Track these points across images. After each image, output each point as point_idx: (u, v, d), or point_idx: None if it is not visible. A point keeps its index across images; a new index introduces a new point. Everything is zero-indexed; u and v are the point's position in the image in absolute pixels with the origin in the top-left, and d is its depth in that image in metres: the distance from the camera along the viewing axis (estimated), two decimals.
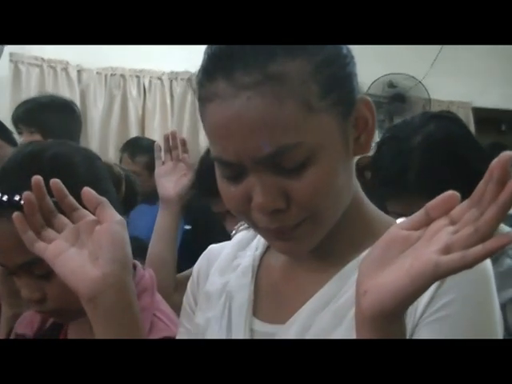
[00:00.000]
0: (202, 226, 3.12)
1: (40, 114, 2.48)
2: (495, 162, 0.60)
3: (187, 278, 1.93)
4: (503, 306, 1.36)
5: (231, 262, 1.01)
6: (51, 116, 2.48)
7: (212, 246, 1.08)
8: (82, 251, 0.87)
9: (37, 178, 0.87)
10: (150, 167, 3.39)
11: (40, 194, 0.88)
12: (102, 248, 0.87)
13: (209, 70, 0.81)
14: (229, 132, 0.78)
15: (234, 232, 1.14)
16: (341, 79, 0.83)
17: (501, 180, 0.60)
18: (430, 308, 0.79)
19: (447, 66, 5.67)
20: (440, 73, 5.60)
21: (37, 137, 2.36)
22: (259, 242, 1.00)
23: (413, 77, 5.58)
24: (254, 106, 0.76)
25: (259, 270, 0.98)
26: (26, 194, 0.87)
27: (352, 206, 0.89)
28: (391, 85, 5.66)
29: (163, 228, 1.86)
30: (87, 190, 0.90)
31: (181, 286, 1.90)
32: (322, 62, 0.80)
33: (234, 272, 0.99)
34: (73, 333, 1.21)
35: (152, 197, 3.03)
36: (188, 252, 2.59)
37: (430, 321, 0.79)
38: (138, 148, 3.77)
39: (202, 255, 1.08)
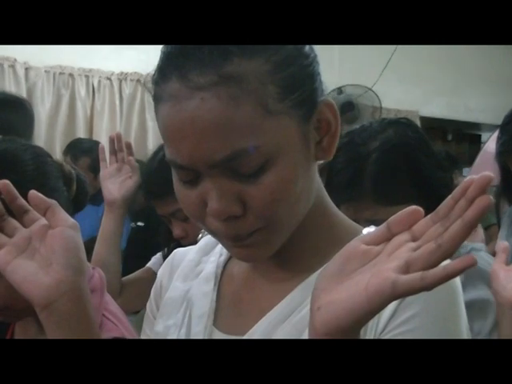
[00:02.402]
0: (155, 223, 3.10)
1: None
2: (475, 179, 0.58)
3: (132, 281, 1.95)
4: None
5: (195, 267, 0.98)
6: (2, 113, 2.44)
7: (177, 250, 1.05)
8: (34, 257, 0.84)
9: None
10: (94, 169, 3.39)
11: None
12: (55, 254, 0.83)
13: (164, 70, 0.77)
14: (182, 135, 0.75)
15: (200, 236, 1.12)
16: (301, 80, 0.79)
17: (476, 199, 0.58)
18: (392, 322, 0.76)
19: (395, 75, 5.75)
20: (388, 81, 5.66)
21: None
22: (223, 247, 0.94)
23: (363, 85, 5.63)
24: (208, 107, 0.73)
25: (222, 277, 0.95)
26: None
27: (316, 212, 0.86)
28: (340, 92, 5.70)
29: (108, 231, 1.84)
30: (34, 193, 0.87)
31: (125, 290, 1.89)
32: (281, 62, 0.77)
33: (197, 278, 0.96)
34: (19, 332, 1.19)
35: (97, 197, 3.02)
36: (139, 249, 2.59)
37: (392, 335, 0.76)
38: (80, 150, 3.77)
39: (167, 260, 1.04)
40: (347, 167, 1.43)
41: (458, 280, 0.78)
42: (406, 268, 0.60)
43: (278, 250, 0.85)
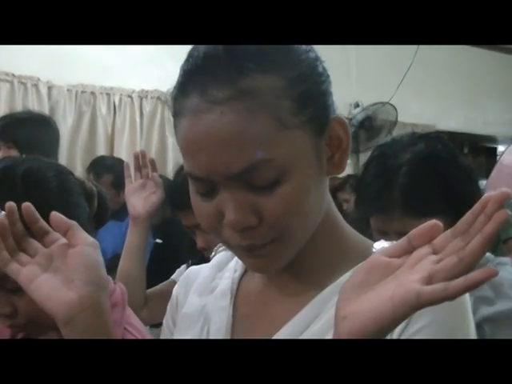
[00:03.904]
0: (173, 240, 3.12)
1: (17, 129, 2.49)
2: (492, 195, 0.60)
3: (156, 293, 1.99)
4: (479, 326, 1.37)
5: (209, 283, 1.00)
6: (28, 131, 2.49)
7: (191, 268, 1.08)
8: (55, 275, 0.86)
9: (10, 205, 0.88)
10: (117, 185, 3.43)
11: (12, 220, 0.88)
12: (76, 271, 0.86)
13: (184, 86, 0.80)
14: (201, 147, 0.78)
15: (213, 254, 1.16)
16: (315, 96, 0.82)
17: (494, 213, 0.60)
18: (405, 332, 0.78)
19: (411, 89, 5.75)
20: (404, 95, 5.66)
21: (14, 152, 2.38)
22: (238, 263, 0.99)
23: (381, 102, 5.63)
24: (226, 121, 0.76)
25: (238, 292, 0.97)
26: None
27: (325, 226, 0.88)
28: (357, 106, 5.71)
29: (132, 245, 1.88)
30: (55, 214, 0.89)
31: (150, 302, 1.93)
32: (295, 78, 0.79)
33: (212, 294, 0.98)
34: None
35: (120, 213, 3.06)
36: (158, 266, 2.62)
37: None
38: (103, 168, 3.81)
39: (182, 278, 1.07)
40: (377, 179, 1.45)
41: (466, 294, 0.80)
42: (429, 279, 0.62)
43: (290, 264, 0.87)
